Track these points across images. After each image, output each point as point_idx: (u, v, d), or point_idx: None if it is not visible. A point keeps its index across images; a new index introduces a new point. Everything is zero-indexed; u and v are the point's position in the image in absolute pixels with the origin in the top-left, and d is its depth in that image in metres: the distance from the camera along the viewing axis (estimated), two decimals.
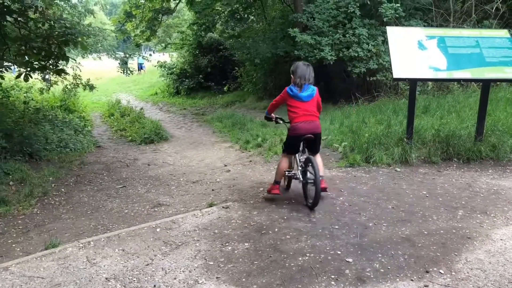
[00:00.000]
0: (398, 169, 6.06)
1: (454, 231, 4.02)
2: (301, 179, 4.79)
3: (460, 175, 5.74)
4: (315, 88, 4.84)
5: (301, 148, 4.94)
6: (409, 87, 7.07)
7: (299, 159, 4.91)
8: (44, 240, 4.34)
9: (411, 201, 4.84)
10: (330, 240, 3.89)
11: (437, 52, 6.30)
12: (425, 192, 5.11)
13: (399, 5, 11.50)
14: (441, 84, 11.12)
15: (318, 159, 4.89)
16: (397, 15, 11.48)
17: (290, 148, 4.97)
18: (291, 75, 4.88)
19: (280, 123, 5.28)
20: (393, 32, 6.61)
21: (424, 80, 9.34)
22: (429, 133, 6.93)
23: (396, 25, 11.30)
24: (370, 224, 4.22)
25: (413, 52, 6.34)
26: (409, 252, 3.62)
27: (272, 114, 5.29)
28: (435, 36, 6.58)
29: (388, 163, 6.27)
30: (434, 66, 6.13)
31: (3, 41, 7.92)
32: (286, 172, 5.01)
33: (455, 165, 6.14)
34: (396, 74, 5.98)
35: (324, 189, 4.84)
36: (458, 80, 8.43)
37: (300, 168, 4.87)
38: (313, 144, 4.86)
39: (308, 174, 4.69)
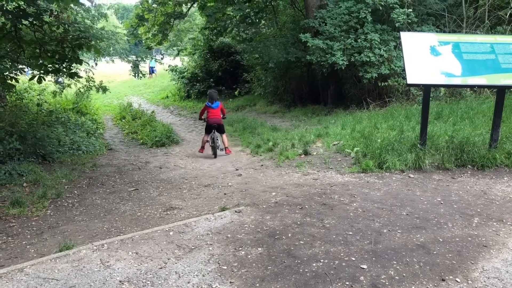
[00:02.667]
0: (412, 175, 6.02)
1: (469, 239, 3.97)
2: (211, 143, 8.96)
3: (475, 182, 5.68)
4: (219, 103, 9.16)
5: (213, 131, 8.99)
6: (422, 92, 7.02)
7: (211, 135, 8.97)
8: (58, 242, 4.36)
9: (425, 208, 4.80)
10: (344, 246, 3.86)
11: (452, 57, 6.25)
12: (439, 199, 5.06)
13: (411, 10, 11.47)
14: (454, 90, 11.05)
15: (224, 136, 9.16)
16: (409, 21, 11.45)
17: (206, 130, 9.18)
18: (208, 97, 9.22)
19: (202, 119, 9.55)
20: (406, 37, 6.58)
21: (439, 86, 9.28)
22: (443, 139, 6.88)
23: (408, 30, 11.26)
24: (385, 231, 4.19)
25: (427, 57, 6.30)
26: (424, 260, 3.58)
27: (202, 117, 9.56)
28: (449, 41, 6.53)
29: (401, 169, 6.23)
30: (448, 72, 6.09)
31: (18, 44, 8.02)
32: (206, 142, 9.15)
33: (469, 172, 6.08)
34: (410, 80, 5.96)
35: (228, 153, 9.00)
36: (473, 86, 8.36)
37: (211, 139, 8.96)
38: (218, 129, 9.04)
39: (215, 142, 8.87)
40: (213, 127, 8.96)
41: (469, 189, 5.43)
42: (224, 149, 8.98)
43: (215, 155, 8.80)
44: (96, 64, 12.21)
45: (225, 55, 20.50)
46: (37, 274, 3.49)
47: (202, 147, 9.21)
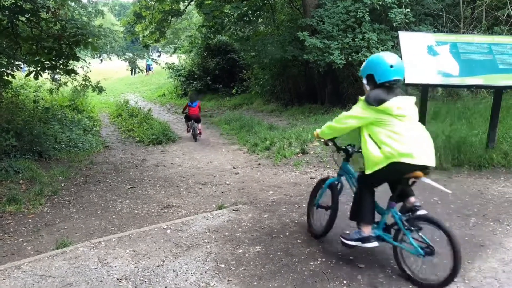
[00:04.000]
0: None
1: (466, 238, 3.98)
2: (192, 132, 11.41)
3: (472, 182, 5.70)
4: (198, 101, 11.79)
5: (192, 122, 11.48)
6: (419, 92, 7.04)
7: (192, 125, 11.50)
8: (55, 239, 4.35)
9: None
10: (342, 245, 3.85)
11: (450, 58, 6.25)
12: (436, 199, 5.08)
13: (409, 10, 11.47)
14: (451, 90, 11.06)
15: (200, 125, 11.48)
16: (407, 20, 11.45)
17: (186, 119, 11.80)
18: (189, 98, 12.57)
19: (184, 113, 11.85)
20: (405, 37, 6.57)
21: (437, 86, 9.29)
22: (440, 139, 6.88)
23: (406, 30, 11.27)
24: None
25: (425, 57, 6.30)
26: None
27: (185, 111, 11.88)
28: (447, 41, 6.53)
29: None
30: (446, 72, 6.09)
31: (15, 40, 7.98)
32: (188, 129, 11.83)
33: (466, 172, 6.10)
34: (408, 79, 5.95)
35: (200, 133, 11.44)
36: (471, 87, 8.37)
37: (191, 128, 11.51)
38: (196, 120, 11.36)
39: (195, 130, 11.34)
40: (192, 119, 11.49)
41: (466, 189, 5.44)
42: (199, 134, 11.52)
43: (195, 139, 11.32)
44: (101, 61, 12.26)
45: (222, 53, 20.46)
46: (34, 272, 3.48)
47: (188, 131, 12.01)
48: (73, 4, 11.29)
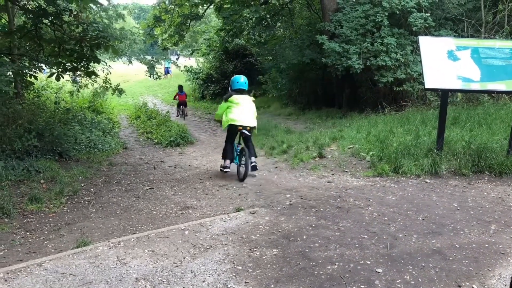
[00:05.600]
0: (428, 180, 5.97)
1: (487, 245, 3.93)
2: (181, 115, 16.10)
3: (492, 188, 5.62)
4: (184, 92, 16.73)
5: (181, 107, 16.26)
6: (438, 97, 6.97)
7: (181, 109, 16.05)
8: (75, 238, 4.41)
9: (441, 213, 4.76)
10: (360, 250, 3.85)
11: (470, 62, 6.20)
12: (456, 205, 5.02)
13: (429, 14, 11.38)
14: (471, 96, 10.93)
15: (186, 108, 16.20)
16: (426, 25, 11.37)
17: (178, 106, 16.19)
18: (178, 88, 16.52)
19: (176, 99, 16.42)
20: (425, 42, 6.53)
21: (457, 91, 9.20)
22: (459, 145, 6.81)
23: (426, 35, 11.18)
24: (400, 235, 4.17)
25: (445, 62, 6.25)
26: (440, 265, 3.56)
27: (175, 98, 16.74)
28: (468, 46, 6.47)
29: (417, 174, 6.18)
30: (467, 77, 6.04)
31: (38, 43, 8.16)
32: (177, 114, 16.26)
33: (486, 178, 6.02)
34: (428, 84, 5.92)
35: (186, 115, 16.08)
36: (492, 92, 8.26)
37: (181, 112, 16.10)
38: (183, 104, 16.21)
39: (183, 113, 16.11)
40: (181, 104, 15.95)
41: (486, 195, 5.37)
42: (186, 115, 15.83)
43: (183, 119, 15.27)
44: (131, 63, 12.47)
45: (240, 57, 20.58)
46: (55, 269, 3.54)
47: (177, 115, 16.07)
48: (94, 7, 11.51)
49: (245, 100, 6.88)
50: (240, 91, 6.91)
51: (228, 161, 6.94)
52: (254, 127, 6.95)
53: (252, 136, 7.07)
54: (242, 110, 6.79)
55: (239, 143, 7.14)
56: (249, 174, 6.74)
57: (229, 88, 7.08)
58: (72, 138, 9.38)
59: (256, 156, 7.06)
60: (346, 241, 4.04)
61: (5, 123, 7.76)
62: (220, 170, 7.12)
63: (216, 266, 3.61)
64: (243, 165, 6.70)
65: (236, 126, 6.75)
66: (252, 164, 6.78)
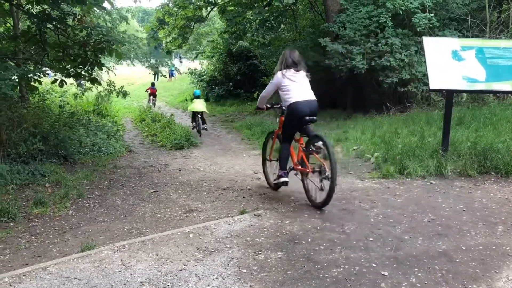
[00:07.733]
0: (433, 182, 5.94)
1: (493, 247, 3.90)
2: (153, 102, 20.52)
3: (499, 189, 5.58)
4: (155, 87, 21.75)
5: (152, 97, 21.06)
6: (443, 98, 6.94)
7: (152, 100, 20.61)
8: (79, 242, 4.42)
9: (447, 215, 4.73)
10: (365, 252, 3.82)
11: (475, 63, 6.16)
12: (461, 206, 4.99)
13: (433, 15, 11.34)
14: (476, 96, 10.87)
15: (156, 98, 21.16)
16: (430, 25, 11.33)
17: (149, 95, 21.16)
18: (151, 84, 21.42)
19: (147, 91, 21.45)
20: (429, 42, 6.50)
21: (462, 92, 9.15)
22: (465, 145, 6.76)
23: (430, 35, 11.14)
24: (406, 237, 4.14)
25: (450, 62, 6.22)
26: (446, 268, 3.53)
27: (147, 91, 21.66)
28: (473, 46, 6.43)
29: (423, 175, 6.15)
30: (472, 77, 6.00)
31: (42, 47, 8.19)
32: (148, 103, 20.15)
33: (492, 179, 5.98)
34: (432, 85, 5.89)
35: (155, 104, 20.32)
36: (497, 92, 8.21)
37: (152, 102, 20.55)
38: (154, 96, 20.85)
39: (155, 104, 20.48)
40: (153, 96, 20.30)
41: (493, 196, 5.33)
42: (155, 104, 19.70)
43: (154, 106, 18.63)
44: (133, 65, 12.49)
45: (244, 59, 20.58)
46: (60, 273, 3.54)
47: (148, 101, 20.03)
48: (98, 11, 11.54)
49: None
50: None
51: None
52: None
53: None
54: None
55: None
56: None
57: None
58: (77, 142, 9.40)
59: None
60: (352, 244, 4.02)
61: (10, 127, 7.80)
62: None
63: (220, 269, 3.60)
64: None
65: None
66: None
